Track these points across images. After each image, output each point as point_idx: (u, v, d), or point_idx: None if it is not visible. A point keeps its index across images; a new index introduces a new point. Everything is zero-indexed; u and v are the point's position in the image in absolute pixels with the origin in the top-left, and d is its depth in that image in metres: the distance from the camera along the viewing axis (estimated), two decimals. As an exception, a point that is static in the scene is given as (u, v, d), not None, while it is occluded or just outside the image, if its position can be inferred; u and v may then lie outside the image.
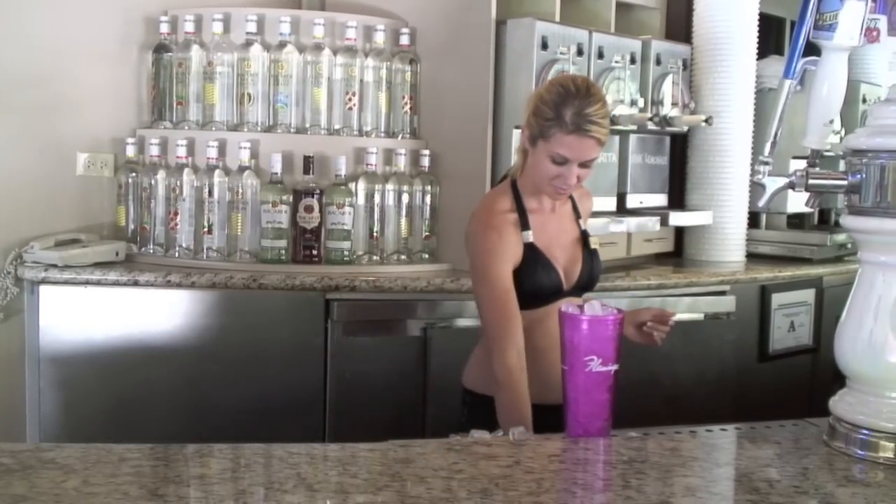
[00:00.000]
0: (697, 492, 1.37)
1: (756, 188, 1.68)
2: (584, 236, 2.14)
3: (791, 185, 1.59)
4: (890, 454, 1.48)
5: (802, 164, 1.65)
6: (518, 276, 2.01)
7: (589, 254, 2.12)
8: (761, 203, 1.63)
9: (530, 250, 2.02)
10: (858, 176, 1.52)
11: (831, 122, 1.65)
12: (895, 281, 1.49)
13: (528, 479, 1.40)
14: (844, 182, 1.54)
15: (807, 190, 1.58)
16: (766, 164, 1.61)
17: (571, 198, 2.15)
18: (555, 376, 2.00)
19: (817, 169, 1.63)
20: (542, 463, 1.48)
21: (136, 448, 1.44)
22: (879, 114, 1.54)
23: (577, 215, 2.16)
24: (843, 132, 3.46)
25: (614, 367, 1.58)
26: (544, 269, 2.03)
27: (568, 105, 1.95)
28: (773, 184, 1.61)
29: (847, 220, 1.56)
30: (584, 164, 1.99)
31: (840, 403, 1.56)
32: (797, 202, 3.35)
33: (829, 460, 1.51)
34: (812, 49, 1.69)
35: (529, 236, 2.03)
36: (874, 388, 1.52)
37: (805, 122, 1.67)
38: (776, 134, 1.62)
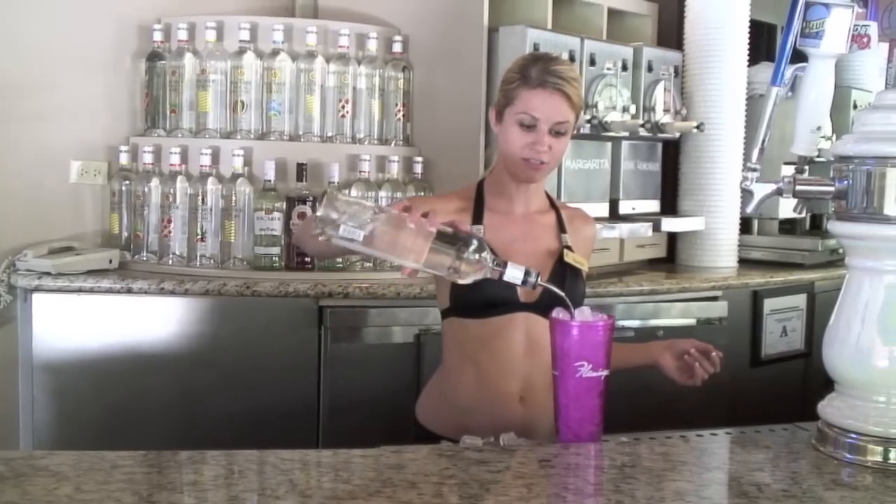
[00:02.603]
0: (687, 496, 1.38)
1: (746, 194, 1.69)
2: (560, 250, 1.92)
3: (779, 192, 1.60)
4: (878, 458, 1.49)
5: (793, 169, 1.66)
6: None
7: (561, 268, 1.89)
8: (749, 209, 1.65)
9: None
10: (845, 182, 1.53)
11: (819, 128, 1.67)
12: (882, 286, 1.51)
13: (518, 485, 1.41)
14: (831, 188, 1.55)
15: (794, 196, 1.59)
16: (754, 170, 1.62)
17: (557, 211, 2.00)
18: (510, 413, 1.85)
19: (805, 175, 1.64)
20: (532, 468, 1.49)
21: (128, 455, 1.45)
22: (866, 120, 1.55)
23: (562, 230, 1.97)
24: (834, 138, 3.47)
25: (605, 373, 1.59)
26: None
27: (534, 65, 1.85)
28: (761, 190, 1.62)
29: (834, 226, 1.57)
30: (557, 132, 1.84)
31: (828, 408, 1.57)
32: (789, 208, 3.37)
33: (818, 464, 1.52)
34: (801, 55, 1.71)
35: (479, 231, 1.86)
36: (862, 392, 1.53)
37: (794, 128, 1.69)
38: (764, 140, 1.63)
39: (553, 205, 2.03)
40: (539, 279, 1.56)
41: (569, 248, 1.94)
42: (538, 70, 1.85)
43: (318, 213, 1.51)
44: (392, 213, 1.52)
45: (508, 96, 1.88)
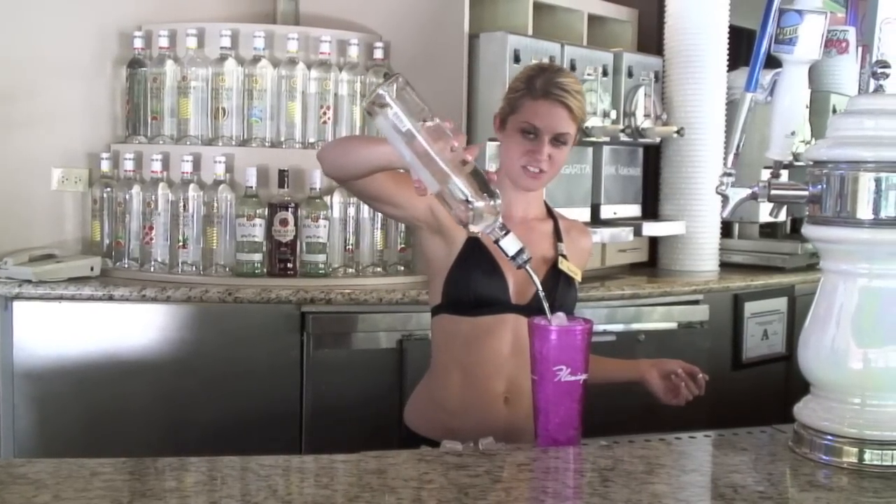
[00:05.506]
0: (664, 498, 1.39)
1: (722, 198, 1.70)
2: (555, 258, 1.96)
3: (754, 196, 1.62)
4: (853, 459, 1.50)
5: (775, 174, 1.68)
6: (455, 270, 1.87)
7: (555, 275, 1.92)
8: (724, 214, 1.66)
9: (472, 245, 1.88)
10: (819, 186, 1.55)
11: (793, 133, 1.69)
12: (856, 289, 1.52)
13: (497, 489, 1.42)
14: (805, 192, 1.56)
15: (769, 200, 1.61)
16: (729, 175, 1.64)
17: (555, 221, 2.03)
18: (495, 414, 1.88)
19: (781, 179, 1.66)
20: (511, 472, 1.50)
21: (108, 462, 1.45)
22: (839, 125, 1.57)
23: (559, 239, 2.00)
24: (813, 142, 3.49)
25: (583, 377, 1.60)
26: (486, 268, 1.87)
27: (540, 76, 1.91)
28: (736, 194, 1.64)
29: (808, 230, 1.58)
30: (557, 142, 1.89)
31: (804, 410, 1.59)
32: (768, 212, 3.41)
33: (795, 466, 1.53)
34: (777, 60, 1.73)
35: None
36: (837, 394, 1.55)
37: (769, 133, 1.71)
38: (738, 145, 1.65)
39: (551, 214, 2.06)
40: (529, 267, 1.55)
41: (564, 256, 1.97)
42: (543, 81, 1.90)
43: (379, 90, 1.49)
44: (443, 125, 1.50)
45: (512, 105, 1.93)
